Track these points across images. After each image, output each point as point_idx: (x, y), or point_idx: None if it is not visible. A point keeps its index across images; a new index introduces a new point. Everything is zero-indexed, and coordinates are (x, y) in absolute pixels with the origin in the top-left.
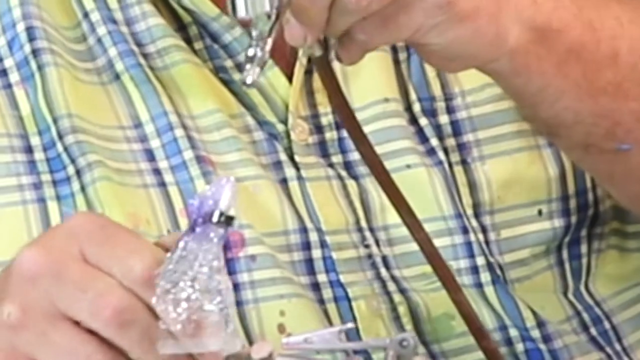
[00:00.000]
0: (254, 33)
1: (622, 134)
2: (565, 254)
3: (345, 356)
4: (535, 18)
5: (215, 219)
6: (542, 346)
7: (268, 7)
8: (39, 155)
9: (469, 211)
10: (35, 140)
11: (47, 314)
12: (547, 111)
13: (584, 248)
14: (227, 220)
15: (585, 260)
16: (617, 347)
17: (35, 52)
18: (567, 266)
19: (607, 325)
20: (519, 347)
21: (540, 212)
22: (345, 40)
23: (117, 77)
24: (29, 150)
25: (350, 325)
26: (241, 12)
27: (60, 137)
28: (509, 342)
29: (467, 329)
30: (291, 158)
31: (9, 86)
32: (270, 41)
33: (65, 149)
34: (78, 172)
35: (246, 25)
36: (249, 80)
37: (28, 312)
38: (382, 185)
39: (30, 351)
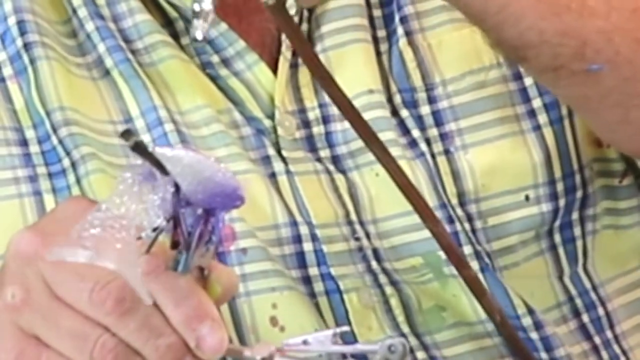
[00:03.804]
0: None
1: (591, 54)
2: (557, 238)
3: (342, 358)
4: None
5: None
6: (534, 335)
7: None
8: (34, 148)
9: (454, 200)
10: (30, 134)
11: (48, 296)
12: (510, 32)
13: (577, 231)
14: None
15: (580, 243)
16: (609, 334)
17: (27, 46)
18: (560, 250)
19: (601, 311)
20: None
21: (527, 198)
22: None
23: (107, 72)
24: (24, 143)
25: (345, 328)
26: None
27: (54, 130)
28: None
29: (458, 320)
30: (279, 153)
31: (2, 80)
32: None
33: (60, 141)
34: (73, 165)
35: None
36: (198, 36)
37: (31, 292)
38: (352, 123)
39: (39, 333)
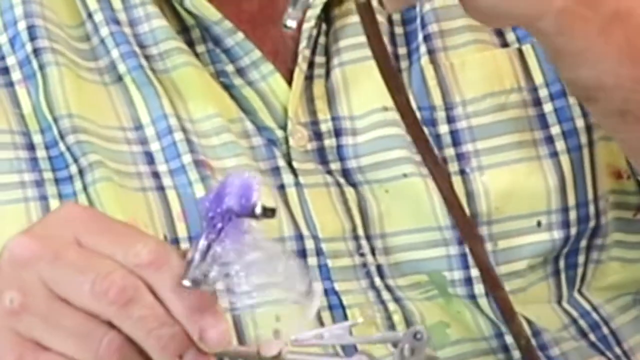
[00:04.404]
0: None
1: None
2: (562, 263)
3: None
4: None
5: (259, 211)
6: (539, 353)
7: None
8: (40, 153)
9: None
10: (37, 138)
11: (48, 298)
12: (587, 72)
13: (581, 258)
14: (269, 212)
15: (581, 270)
16: (618, 351)
17: (36, 52)
18: (562, 276)
19: (605, 330)
20: (516, 354)
21: (539, 224)
22: None
23: (120, 78)
24: (31, 147)
25: (360, 320)
26: None
27: (62, 136)
28: (505, 349)
29: (462, 336)
30: (289, 164)
31: (11, 84)
32: None
33: (68, 148)
34: (80, 172)
35: None
36: (290, 24)
37: (29, 296)
38: (410, 127)
39: (40, 337)
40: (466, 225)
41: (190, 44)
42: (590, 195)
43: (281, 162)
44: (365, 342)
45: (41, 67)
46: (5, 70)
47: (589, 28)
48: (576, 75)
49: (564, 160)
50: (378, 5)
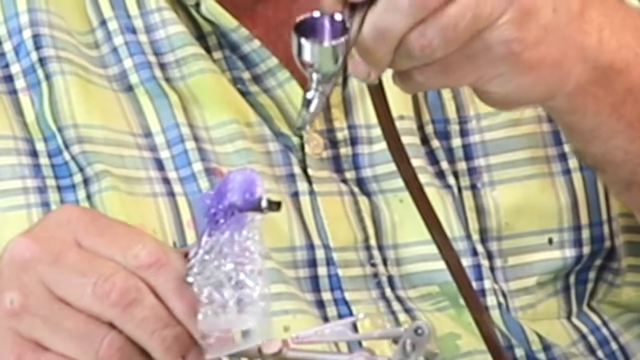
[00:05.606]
0: (315, 76)
1: None
2: (572, 279)
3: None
4: (598, 58)
5: (264, 204)
6: None
7: (337, 55)
8: (44, 160)
9: (475, 236)
10: (40, 146)
11: (48, 299)
12: (598, 148)
13: (592, 274)
14: (274, 206)
15: (590, 286)
16: None
17: (42, 61)
18: (572, 291)
19: (614, 345)
20: None
21: (550, 241)
22: (404, 77)
23: (130, 88)
24: (34, 154)
25: (361, 316)
26: (306, 57)
27: (67, 146)
28: None
29: (473, 348)
30: (305, 171)
31: (14, 92)
32: (331, 87)
33: (73, 157)
34: (85, 181)
35: (306, 67)
36: (301, 126)
37: (29, 297)
38: (418, 204)
39: (40, 337)
40: (472, 297)
41: (207, 50)
42: (604, 215)
43: (297, 169)
44: (366, 339)
45: (47, 76)
46: (9, 78)
47: (601, 107)
48: (585, 149)
49: (577, 177)
50: None
